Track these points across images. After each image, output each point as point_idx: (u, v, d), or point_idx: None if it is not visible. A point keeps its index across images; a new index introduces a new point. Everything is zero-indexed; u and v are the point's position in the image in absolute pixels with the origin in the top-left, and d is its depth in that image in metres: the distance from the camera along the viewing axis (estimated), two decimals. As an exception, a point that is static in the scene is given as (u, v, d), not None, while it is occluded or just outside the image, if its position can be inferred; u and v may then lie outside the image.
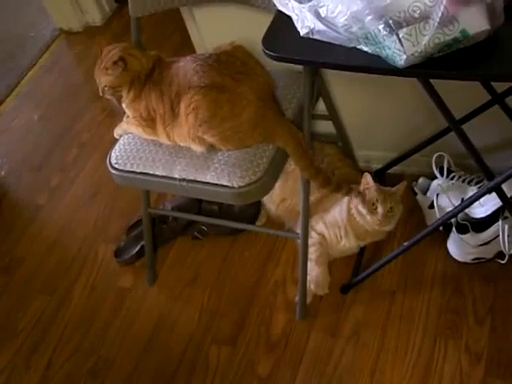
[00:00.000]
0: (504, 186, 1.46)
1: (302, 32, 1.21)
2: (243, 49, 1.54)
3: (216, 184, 1.54)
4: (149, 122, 1.58)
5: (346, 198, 1.78)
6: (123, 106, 1.61)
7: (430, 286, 1.80)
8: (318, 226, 1.85)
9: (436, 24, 1.07)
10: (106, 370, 1.86)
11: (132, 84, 1.55)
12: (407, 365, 1.66)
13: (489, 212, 1.73)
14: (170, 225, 2.10)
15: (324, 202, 1.86)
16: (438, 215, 1.78)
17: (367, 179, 1.72)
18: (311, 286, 1.81)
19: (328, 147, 1.96)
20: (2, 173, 2.61)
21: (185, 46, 2.05)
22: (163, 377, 1.81)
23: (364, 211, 1.72)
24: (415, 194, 1.93)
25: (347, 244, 1.84)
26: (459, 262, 1.82)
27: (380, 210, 1.70)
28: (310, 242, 1.80)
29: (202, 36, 1.92)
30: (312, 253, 1.82)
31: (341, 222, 1.81)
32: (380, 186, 1.74)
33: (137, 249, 2.09)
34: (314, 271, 1.81)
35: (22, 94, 3.00)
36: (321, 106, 1.85)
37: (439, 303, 1.76)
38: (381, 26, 1.09)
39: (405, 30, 1.08)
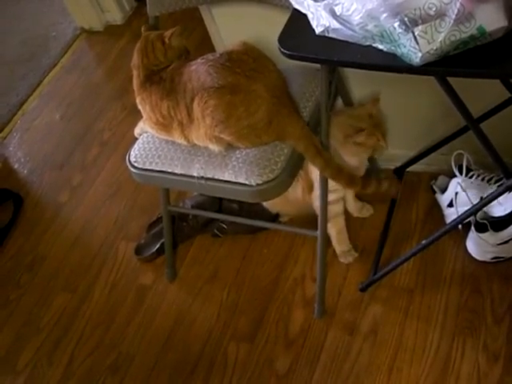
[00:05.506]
0: (523, 185, 1.45)
1: (318, 30, 1.21)
2: (253, 47, 1.54)
3: (234, 182, 1.55)
4: (160, 125, 1.60)
5: None
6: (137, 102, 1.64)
7: (449, 285, 1.79)
8: None
9: (452, 21, 1.05)
10: (126, 366, 1.89)
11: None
12: (424, 363, 1.65)
13: (508, 211, 1.71)
14: (189, 222, 2.11)
15: None
16: (456, 214, 1.77)
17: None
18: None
19: None
20: (25, 171, 2.65)
21: (204, 44, 2.06)
22: (182, 373, 1.83)
23: None
24: (434, 192, 1.93)
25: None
26: (478, 261, 1.80)
27: None
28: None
29: (221, 34, 1.93)
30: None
31: None
32: None
33: (157, 246, 2.11)
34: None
35: (43, 93, 3.03)
36: (340, 105, 1.85)
37: (457, 302, 1.75)
38: (396, 24, 1.09)
39: (420, 27, 1.07)
